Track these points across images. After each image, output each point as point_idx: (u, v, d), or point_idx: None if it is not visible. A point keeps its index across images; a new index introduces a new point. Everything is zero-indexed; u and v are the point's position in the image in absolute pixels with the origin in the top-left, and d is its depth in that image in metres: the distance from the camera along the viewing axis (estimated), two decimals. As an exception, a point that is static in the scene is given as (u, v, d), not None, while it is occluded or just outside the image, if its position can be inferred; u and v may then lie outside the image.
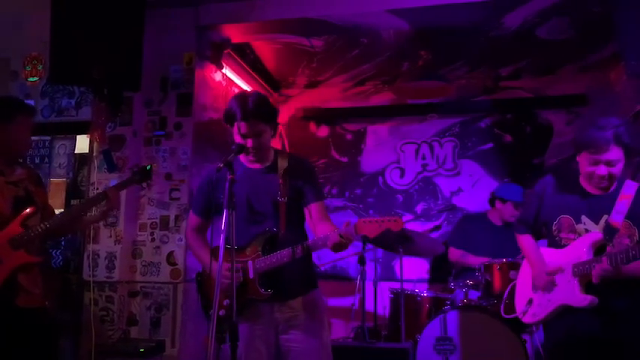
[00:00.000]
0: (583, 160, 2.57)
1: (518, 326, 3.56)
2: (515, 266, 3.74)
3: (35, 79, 4.57)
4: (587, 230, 2.54)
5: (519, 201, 4.32)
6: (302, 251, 2.36)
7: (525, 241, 2.80)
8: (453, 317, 3.59)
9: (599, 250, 2.49)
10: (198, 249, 2.64)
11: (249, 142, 2.44)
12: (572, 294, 2.50)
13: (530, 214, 2.79)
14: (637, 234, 2.45)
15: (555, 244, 2.65)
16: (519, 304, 2.82)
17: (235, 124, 2.44)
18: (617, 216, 2.45)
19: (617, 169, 2.51)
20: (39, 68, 4.55)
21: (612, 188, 2.55)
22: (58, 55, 3.74)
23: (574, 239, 2.57)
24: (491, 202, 4.54)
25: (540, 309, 2.63)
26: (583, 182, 2.62)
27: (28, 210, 2.73)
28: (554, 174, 2.77)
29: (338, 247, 2.28)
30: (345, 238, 2.25)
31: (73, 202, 4.40)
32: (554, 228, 2.63)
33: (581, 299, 2.47)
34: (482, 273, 3.82)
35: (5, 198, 2.71)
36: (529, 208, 2.82)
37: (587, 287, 2.47)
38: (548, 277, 2.60)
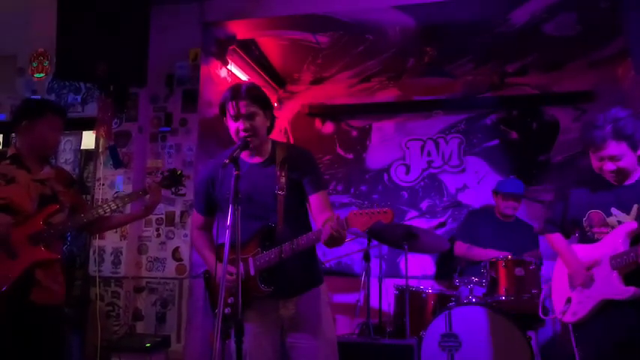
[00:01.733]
0: (592, 158, 2.59)
1: (523, 323, 3.56)
2: (521, 263, 3.74)
3: (42, 75, 4.59)
4: (619, 222, 2.51)
5: (507, 192, 4.34)
6: (293, 248, 2.31)
7: (556, 239, 2.78)
8: (458, 314, 3.59)
9: (635, 239, 2.46)
10: (203, 249, 2.61)
11: (240, 124, 2.38)
12: (613, 287, 2.46)
13: (557, 213, 2.78)
14: None
15: (588, 240, 2.63)
16: (557, 304, 2.77)
17: (228, 107, 2.40)
18: None
19: (626, 162, 2.50)
20: (45, 65, 4.57)
21: (634, 179, 2.53)
22: (64, 51, 3.75)
23: (607, 232, 2.54)
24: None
25: (580, 306, 2.59)
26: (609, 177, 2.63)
27: (51, 207, 2.76)
28: (578, 171, 2.77)
29: (331, 241, 2.21)
30: (337, 232, 2.18)
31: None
32: (585, 224, 2.61)
33: (623, 291, 2.43)
34: (487, 270, 3.81)
35: (31, 195, 2.74)
36: (555, 207, 2.81)
37: (627, 279, 2.44)
38: (588, 272, 2.57)
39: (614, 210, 2.51)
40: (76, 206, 2.93)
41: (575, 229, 2.73)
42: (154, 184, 2.95)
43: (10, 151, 2.83)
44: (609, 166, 2.51)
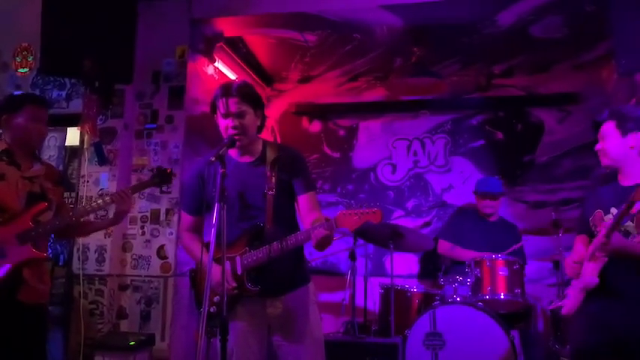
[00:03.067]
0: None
1: (507, 322, 3.59)
2: (505, 263, 3.78)
3: (25, 70, 4.53)
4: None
5: (482, 191, 4.40)
6: (282, 248, 2.31)
7: (575, 241, 2.79)
8: (442, 313, 3.61)
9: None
10: (195, 250, 2.53)
11: (230, 122, 2.37)
12: (584, 277, 2.50)
13: (581, 214, 2.82)
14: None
15: (594, 237, 2.67)
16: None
17: (218, 104, 2.39)
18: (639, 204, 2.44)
19: (609, 145, 2.55)
20: (29, 59, 4.51)
21: (635, 180, 2.54)
22: (48, 46, 3.71)
23: None
24: None
25: (569, 299, 2.62)
26: (619, 175, 2.64)
27: (39, 205, 2.72)
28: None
29: (320, 243, 2.22)
30: (326, 235, 2.20)
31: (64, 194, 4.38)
32: (591, 223, 2.65)
33: (586, 280, 2.47)
34: (471, 269, 3.84)
35: (19, 192, 2.71)
36: (582, 209, 2.85)
37: (603, 270, 2.46)
38: (574, 265, 2.61)
39: (612, 209, 2.54)
40: (60, 206, 2.89)
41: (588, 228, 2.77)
42: (122, 192, 2.85)
43: (0, 146, 2.78)
44: (599, 144, 2.58)
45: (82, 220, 2.88)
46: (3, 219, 2.64)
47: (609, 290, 2.47)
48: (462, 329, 3.55)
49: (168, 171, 2.96)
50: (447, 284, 3.96)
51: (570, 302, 2.61)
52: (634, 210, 2.40)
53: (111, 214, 2.97)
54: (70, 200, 4.30)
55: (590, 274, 2.48)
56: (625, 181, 2.60)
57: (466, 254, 4.12)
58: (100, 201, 2.83)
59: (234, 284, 2.35)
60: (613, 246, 2.40)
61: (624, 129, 2.53)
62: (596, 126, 2.64)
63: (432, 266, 5.05)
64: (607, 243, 2.38)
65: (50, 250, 4.30)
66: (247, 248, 2.39)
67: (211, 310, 2.26)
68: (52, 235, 3.14)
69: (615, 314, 2.47)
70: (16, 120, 2.75)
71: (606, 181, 2.70)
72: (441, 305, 3.67)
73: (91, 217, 3.26)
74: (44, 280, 2.76)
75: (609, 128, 2.56)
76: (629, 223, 2.50)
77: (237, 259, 2.38)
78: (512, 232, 4.41)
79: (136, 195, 4.15)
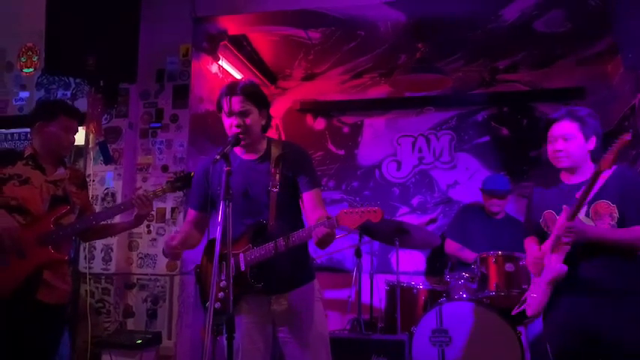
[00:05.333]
0: (547, 145, 2.67)
1: (513, 319, 3.58)
2: (511, 259, 3.76)
3: (30, 70, 4.55)
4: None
5: (489, 189, 4.36)
6: (284, 245, 2.31)
7: (526, 243, 2.85)
8: (448, 309, 3.60)
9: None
10: (179, 234, 2.52)
11: (234, 120, 2.38)
12: (549, 268, 2.53)
13: (525, 220, 2.88)
14: (616, 212, 2.48)
15: (546, 238, 2.68)
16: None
17: (222, 103, 2.40)
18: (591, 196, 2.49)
19: (574, 146, 2.57)
20: (34, 59, 4.53)
21: (585, 176, 2.57)
22: (53, 46, 3.71)
23: None
24: None
25: (534, 297, 2.64)
26: (562, 175, 2.70)
27: (62, 208, 2.78)
28: (545, 177, 2.83)
29: (322, 241, 2.23)
30: (328, 233, 2.21)
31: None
32: (542, 225, 2.67)
33: (553, 270, 2.49)
34: (478, 266, 3.83)
35: (43, 196, 2.77)
36: (525, 215, 2.89)
37: (567, 261, 2.48)
38: (536, 261, 2.63)
39: (565, 207, 2.54)
40: (83, 208, 2.95)
41: (540, 231, 2.78)
42: (144, 195, 2.90)
43: (27, 151, 2.86)
44: (559, 144, 2.58)
45: (102, 223, 2.93)
46: (26, 222, 2.71)
47: (576, 283, 2.49)
48: (469, 326, 3.55)
49: (191, 174, 2.93)
50: (453, 281, 3.95)
51: (536, 301, 2.61)
52: (600, 180, 2.44)
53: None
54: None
55: (557, 263, 2.50)
56: (571, 180, 2.65)
57: (473, 256, 4.08)
58: (122, 206, 2.92)
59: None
60: (578, 227, 2.43)
61: (586, 132, 2.59)
62: (550, 123, 2.65)
63: (438, 263, 5.05)
64: (572, 226, 2.41)
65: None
66: (250, 245, 2.39)
67: (216, 306, 2.27)
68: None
69: (585, 309, 2.47)
70: (50, 129, 2.82)
71: (546, 185, 2.75)
72: (447, 302, 3.66)
73: (117, 218, 3.28)
74: (66, 280, 2.83)
75: (573, 130, 2.58)
76: (584, 217, 2.53)
77: (241, 255, 2.39)
78: (518, 228, 4.38)
79: (142, 194, 4.16)
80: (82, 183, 3.00)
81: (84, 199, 2.98)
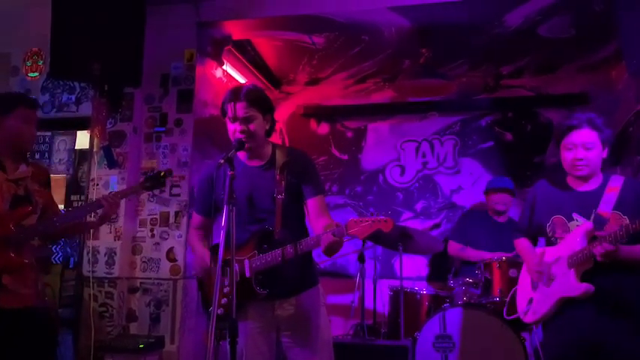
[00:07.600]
0: (563, 152, 2.63)
1: (517, 325, 3.56)
2: (515, 264, 3.75)
3: (35, 74, 4.57)
4: (579, 226, 2.55)
5: (495, 187, 4.36)
6: (293, 252, 2.31)
7: (520, 244, 2.85)
8: (452, 315, 3.59)
9: (592, 240, 2.49)
10: (195, 243, 2.59)
11: (238, 126, 2.37)
12: (569, 285, 2.50)
13: (524, 219, 2.84)
14: (627, 223, 2.45)
15: (552, 244, 2.68)
16: (521, 304, 2.83)
17: (226, 109, 2.40)
18: (605, 206, 2.49)
19: (594, 155, 2.55)
20: (39, 64, 4.55)
21: (594, 185, 2.57)
22: (58, 50, 3.73)
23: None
24: None
25: (540, 305, 2.63)
26: (570, 181, 2.68)
27: (23, 209, 2.64)
28: (547, 178, 2.81)
29: (330, 248, 2.23)
30: (337, 241, 2.21)
31: (73, 197, 4.42)
32: (548, 230, 2.66)
33: (576, 288, 2.47)
34: (481, 271, 3.81)
35: (3, 196, 2.62)
36: (523, 214, 2.87)
37: (584, 277, 2.47)
38: (539, 268, 2.62)
39: (575, 215, 2.53)
40: (46, 207, 2.81)
41: (541, 234, 2.77)
42: (110, 196, 2.80)
43: None
44: (580, 152, 2.55)
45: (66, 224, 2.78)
46: None
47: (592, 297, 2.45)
48: (472, 331, 3.53)
49: (162, 174, 2.89)
50: (456, 286, 3.94)
51: (542, 309, 2.60)
52: (612, 192, 2.46)
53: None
54: (80, 204, 4.33)
55: (577, 282, 2.47)
56: (582, 187, 2.62)
57: (477, 255, 4.09)
58: (88, 207, 2.80)
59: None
60: (624, 253, 2.38)
61: (603, 141, 2.57)
62: (567, 130, 2.59)
63: (441, 268, 5.03)
64: (616, 251, 2.36)
65: (60, 254, 4.34)
66: (256, 252, 2.39)
67: (219, 312, 2.26)
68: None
69: (585, 320, 2.46)
70: (8, 122, 2.68)
71: (553, 183, 2.71)
72: (450, 307, 3.65)
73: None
74: (28, 284, 2.64)
75: (594, 138, 2.56)
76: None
77: (246, 262, 2.38)
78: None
79: (146, 197, 4.19)
80: (45, 181, 2.85)
81: (47, 198, 2.83)
